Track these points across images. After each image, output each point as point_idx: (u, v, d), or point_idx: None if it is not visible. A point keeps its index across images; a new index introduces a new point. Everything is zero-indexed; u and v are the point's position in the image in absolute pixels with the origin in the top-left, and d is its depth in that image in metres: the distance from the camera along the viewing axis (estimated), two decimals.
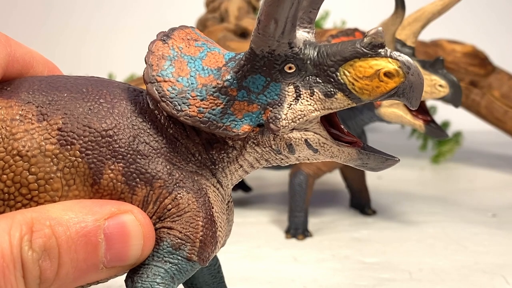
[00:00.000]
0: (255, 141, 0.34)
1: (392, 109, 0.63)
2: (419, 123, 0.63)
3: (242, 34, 0.91)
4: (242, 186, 0.84)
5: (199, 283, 0.41)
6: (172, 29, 0.36)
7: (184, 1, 1.24)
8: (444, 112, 0.99)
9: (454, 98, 0.61)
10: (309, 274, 0.55)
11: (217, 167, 0.35)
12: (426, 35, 0.77)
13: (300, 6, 0.30)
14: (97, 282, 0.34)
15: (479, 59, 0.90)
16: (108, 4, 1.31)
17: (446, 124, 1.01)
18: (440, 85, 0.61)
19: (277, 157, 0.34)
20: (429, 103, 0.93)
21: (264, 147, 0.34)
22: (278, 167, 0.73)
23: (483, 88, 0.91)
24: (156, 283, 0.32)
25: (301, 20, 0.33)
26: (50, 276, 0.29)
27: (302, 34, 0.33)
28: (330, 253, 0.60)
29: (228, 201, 0.37)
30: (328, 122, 0.34)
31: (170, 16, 1.28)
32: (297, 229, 0.66)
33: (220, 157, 0.34)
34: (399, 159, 0.33)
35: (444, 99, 0.62)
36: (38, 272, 0.29)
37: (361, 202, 0.75)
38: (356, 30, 0.67)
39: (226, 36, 0.87)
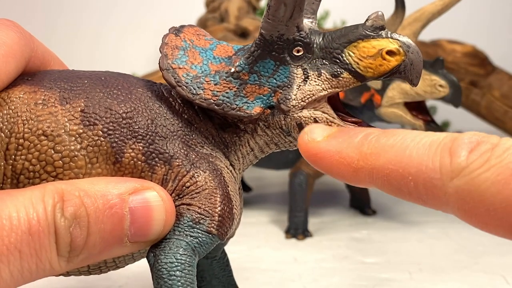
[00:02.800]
0: (265, 124, 0.36)
1: (392, 109, 0.63)
2: (419, 123, 0.63)
3: (242, 34, 0.91)
4: (242, 186, 0.84)
5: (209, 276, 0.42)
6: (182, 26, 0.38)
7: (184, 1, 1.24)
8: (444, 112, 0.99)
9: (454, 98, 0.61)
10: (309, 274, 0.55)
11: (229, 150, 0.37)
12: (426, 35, 0.77)
13: None
14: (116, 267, 0.36)
15: (479, 59, 0.90)
16: (107, 4, 1.31)
17: (446, 124, 1.01)
18: (440, 85, 0.61)
19: (286, 140, 0.36)
20: (429, 103, 0.94)
21: (275, 129, 0.36)
22: (278, 167, 0.73)
23: (483, 88, 0.91)
24: (179, 254, 0.33)
25: (304, 11, 0.35)
26: (80, 244, 0.30)
27: (306, 23, 0.35)
28: (330, 253, 0.60)
29: (239, 188, 0.39)
30: (332, 106, 0.35)
31: (170, 16, 1.28)
32: (297, 229, 0.66)
33: (233, 140, 0.36)
34: None
35: (444, 99, 0.62)
36: (69, 239, 0.30)
37: (361, 202, 0.75)
38: None
39: (226, 36, 0.87)
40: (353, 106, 0.65)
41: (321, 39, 0.34)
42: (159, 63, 0.35)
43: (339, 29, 0.34)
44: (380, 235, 0.66)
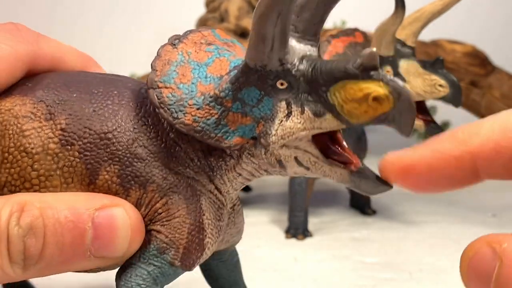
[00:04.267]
0: (250, 152, 0.33)
1: None
2: (419, 123, 0.63)
3: (242, 34, 0.91)
4: None
5: (215, 275, 0.42)
6: (189, 31, 0.36)
7: (184, 1, 1.24)
8: (444, 112, 0.99)
9: (454, 98, 0.61)
10: (309, 274, 0.55)
11: (215, 173, 0.35)
12: (426, 35, 0.77)
13: (287, 24, 0.29)
14: (91, 271, 0.36)
15: (479, 59, 0.90)
16: (107, 4, 1.31)
17: (446, 124, 1.01)
18: (440, 85, 0.61)
19: (274, 169, 0.34)
20: (429, 103, 0.93)
21: (260, 159, 0.33)
22: None
23: (483, 88, 0.91)
24: (137, 285, 0.33)
25: (305, 31, 0.32)
26: (34, 253, 0.31)
27: (303, 47, 0.32)
28: (330, 253, 0.60)
29: (234, 204, 0.38)
30: (330, 136, 0.33)
31: (170, 16, 1.27)
32: (297, 229, 0.66)
33: (218, 164, 0.34)
34: (392, 186, 0.31)
35: (444, 99, 0.62)
36: (22, 247, 0.30)
37: (361, 202, 0.75)
38: (356, 30, 0.67)
39: None
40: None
41: (310, 70, 0.31)
42: (146, 80, 0.34)
43: (332, 60, 0.31)
44: (380, 235, 0.66)
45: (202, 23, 1.00)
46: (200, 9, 1.06)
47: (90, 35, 1.30)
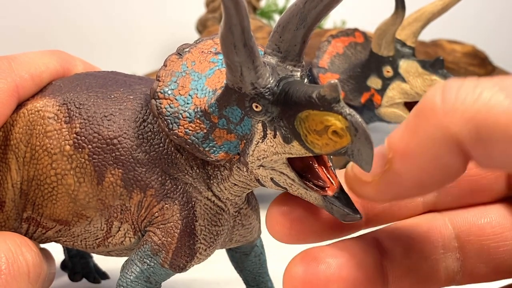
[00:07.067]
0: (239, 166, 0.34)
1: (392, 109, 0.63)
2: None
3: None
4: None
5: (238, 267, 0.44)
6: (201, 39, 0.36)
7: (184, 1, 1.24)
8: None
9: None
10: None
11: (212, 182, 0.36)
12: (426, 35, 0.77)
13: (249, 52, 0.29)
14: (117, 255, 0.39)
15: (479, 59, 0.90)
16: (108, 4, 1.31)
17: None
18: None
19: (257, 185, 0.35)
20: None
21: (245, 175, 0.35)
22: None
23: None
24: (130, 280, 0.36)
25: (288, 52, 0.32)
26: None
27: (285, 68, 0.32)
28: None
29: (241, 208, 0.39)
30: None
31: (170, 16, 1.28)
32: None
33: (214, 173, 0.36)
34: (361, 217, 0.31)
35: None
36: None
37: None
38: (356, 30, 0.67)
39: None
40: (353, 106, 0.65)
41: (283, 94, 0.30)
42: (150, 89, 0.35)
43: (304, 85, 0.30)
44: None
45: (202, 23, 1.00)
46: (200, 9, 1.06)
47: (90, 35, 1.30)
